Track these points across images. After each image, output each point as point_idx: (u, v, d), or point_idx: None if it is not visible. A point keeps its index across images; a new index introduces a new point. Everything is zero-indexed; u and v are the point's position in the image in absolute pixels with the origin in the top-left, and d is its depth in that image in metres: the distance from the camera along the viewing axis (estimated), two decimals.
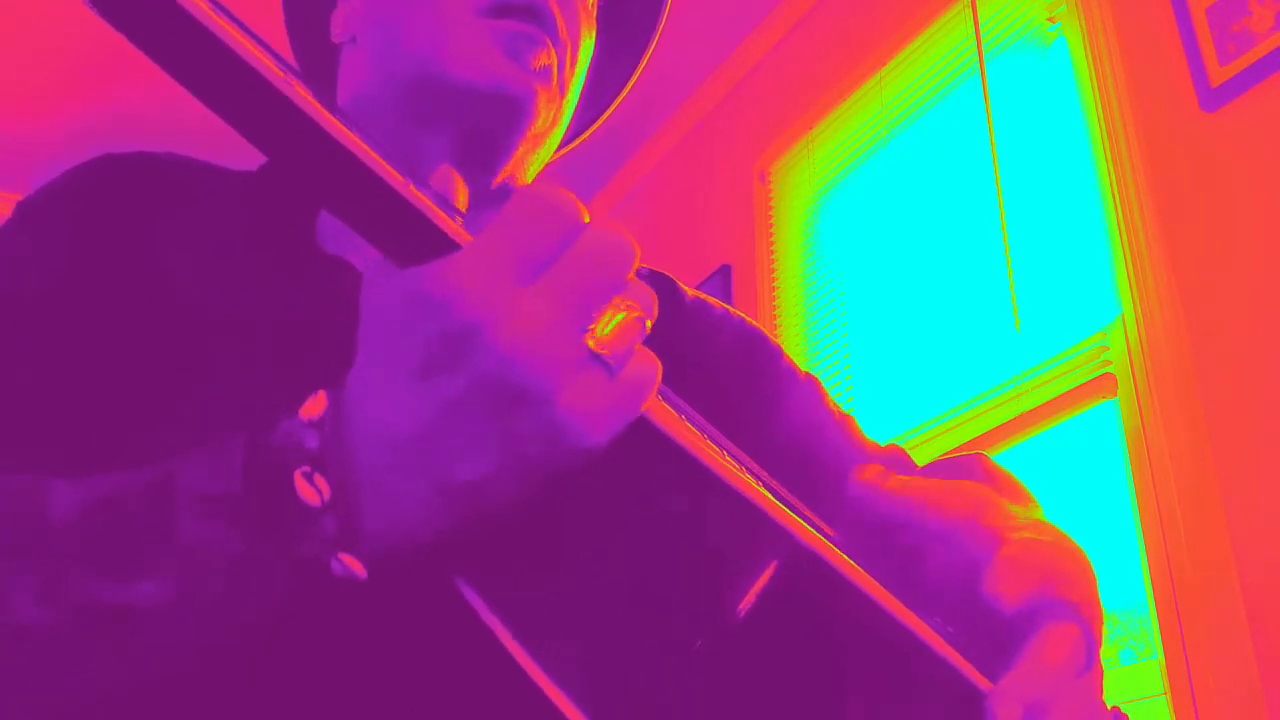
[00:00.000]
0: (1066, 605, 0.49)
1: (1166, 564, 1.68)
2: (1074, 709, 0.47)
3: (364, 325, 0.41)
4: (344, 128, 0.37)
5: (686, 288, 0.79)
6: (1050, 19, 2.15)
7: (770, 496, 0.44)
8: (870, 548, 0.47)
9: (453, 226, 0.39)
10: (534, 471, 0.40)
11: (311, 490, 0.40)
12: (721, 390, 0.58)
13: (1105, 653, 0.53)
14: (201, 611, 0.43)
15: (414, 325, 0.39)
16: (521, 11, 0.65)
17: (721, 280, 2.96)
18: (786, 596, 0.44)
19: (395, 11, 0.68)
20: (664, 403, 0.42)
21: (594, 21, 0.73)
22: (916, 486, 0.52)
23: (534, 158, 0.71)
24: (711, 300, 0.80)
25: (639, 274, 0.52)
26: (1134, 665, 1.83)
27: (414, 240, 0.39)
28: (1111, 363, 1.86)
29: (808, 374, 0.79)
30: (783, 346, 0.81)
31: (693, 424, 0.44)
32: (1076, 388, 1.92)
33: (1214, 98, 1.75)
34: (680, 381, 0.47)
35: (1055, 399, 1.96)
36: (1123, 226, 1.86)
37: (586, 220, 0.40)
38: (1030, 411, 2.00)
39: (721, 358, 0.75)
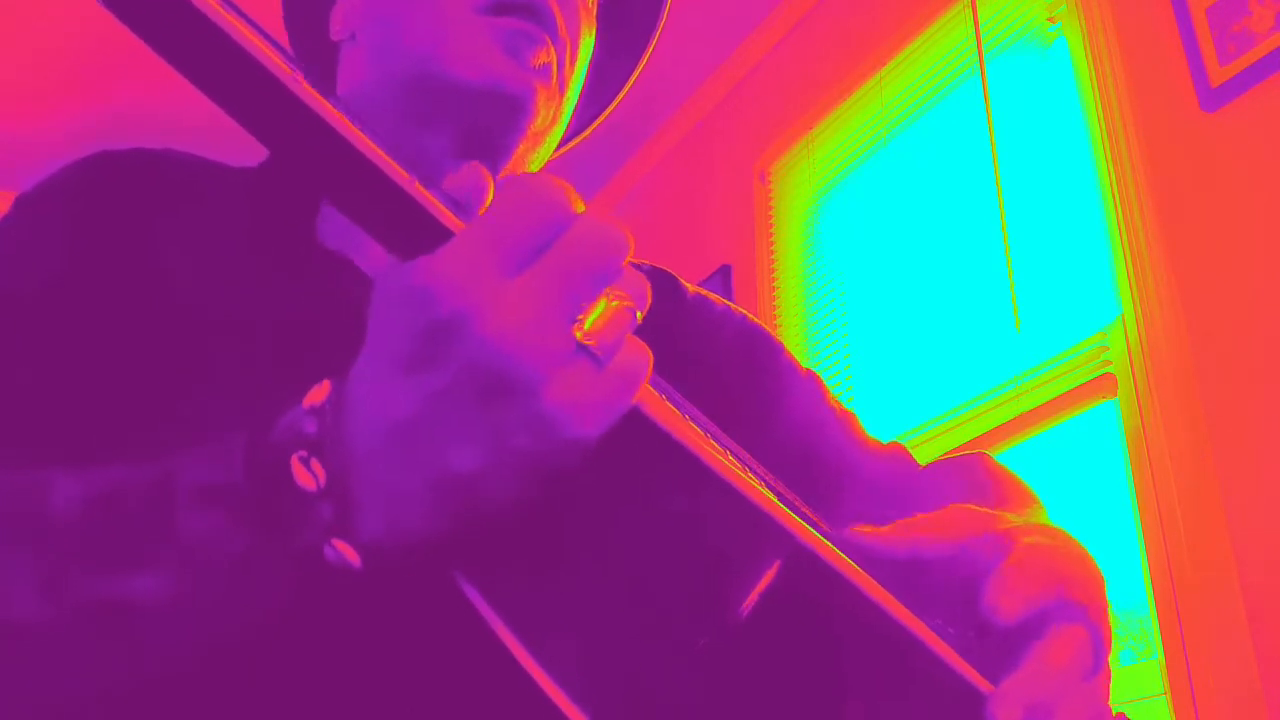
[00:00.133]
0: (1075, 607, 0.49)
1: (1166, 564, 1.68)
2: (1078, 712, 0.47)
3: (369, 319, 0.41)
4: (348, 122, 0.37)
5: (688, 284, 0.79)
6: (1050, 19, 2.15)
7: (772, 496, 0.44)
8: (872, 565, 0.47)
9: (450, 217, 0.39)
10: (528, 467, 0.39)
11: (308, 475, 0.40)
12: (722, 386, 0.58)
13: (1113, 654, 0.52)
14: (202, 606, 0.43)
15: (402, 316, 0.39)
16: (520, 9, 0.65)
17: (721, 280, 2.96)
18: (787, 596, 0.44)
19: (394, 9, 0.68)
20: (665, 401, 0.42)
21: (594, 20, 0.73)
22: (913, 525, 0.51)
23: (534, 155, 0.71)
24: (713, 296, 0.80)
25: (640, 269, 0.52)
26: (1134, 665, 1.83)
27: (415, 234, 0.39)
28: (1111, 363, 1.86)
29: (809, 371, 0.79)
30: (782, 342, 0.81)
31: (694, 422, 0.44)
32: (1076, 388, 1.92)
33: (1214, 98, 1.75)
34: (681, 378, 0.47)
35: (1055, 399, 1.96)
36: (1123, 226, 1.86)
37: (580, 210, 0.40)
38: (1030, 411, 2.00)
39: (723, 354, 0.75)
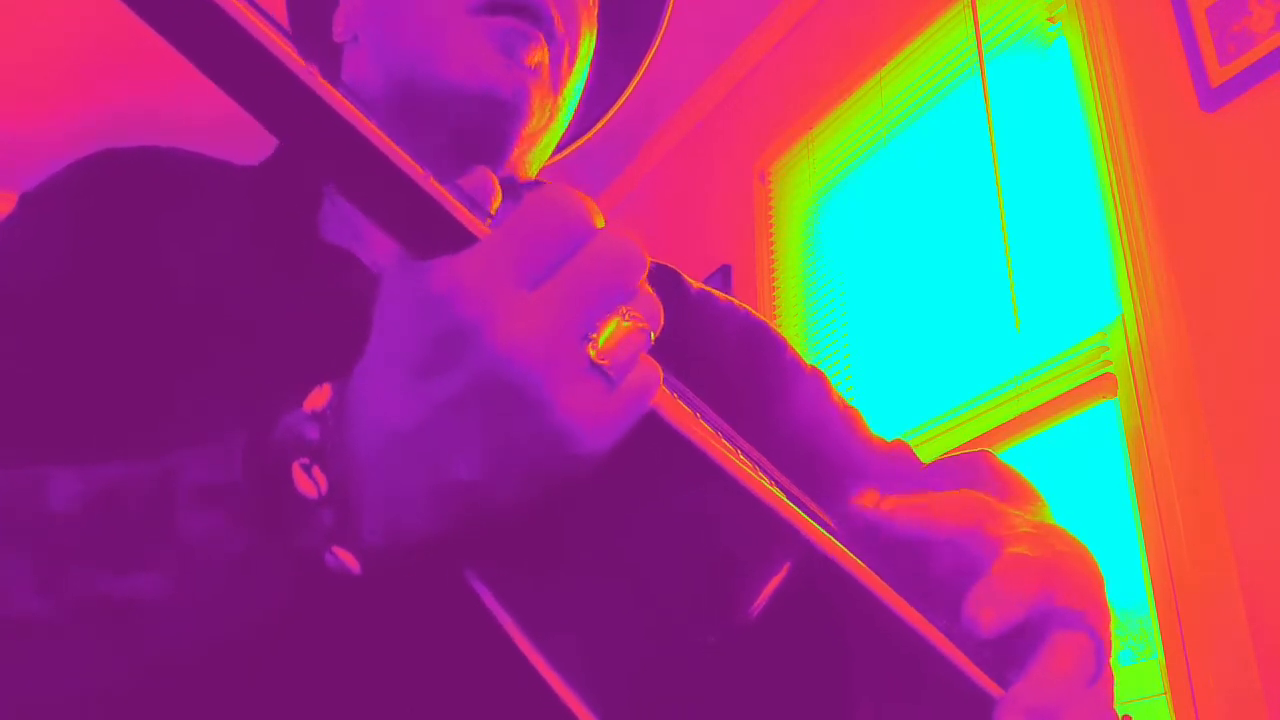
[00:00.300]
0: (1072, 613, 0.48)
1: (1166, 564, 1.68)
2: (1084, 718, 0.47)
3: (375, 320, 0.41)
4: (363, 115, 0.37)
5: (692, 280, 0.79)
6: (1050, 19, 2.15)
7: (782, 495, 0.44)
8: (878, 557, 0.47)
9: (470, 218, 0.39)
10: (533, 476, 0.39)
11: (309, 482, 0.40)
12: (726, 383, 0.58)
13: (1114, 658, 0.52)
14: (201, 605, 0.43)
15: (416, 321, 0.38)
16: (514, 8, 0.65)
17: (721, 280, 2.96)
18: (797, 597, 0.44)
19: (391, 10, 0.68)
20: (676, 398, 0.42)
21: (594, 20, 0.73)
22: (914, 502, 0.51)
23: (532, 156, 0.71)
24: (717, 293, 0.80)
25: None
26: (1134, 665, 1.83)
27: (434, 233, 0.39)
28: (1111, 363, 1.86)
29: (813, 367, 0.79)
30: (785, 338, 0.81)
31: (704, 420, 0.44)
32: (1076, 388, 1.92)
33: (1214, 98, 1.75)
34: (685, 374, 0.47)
35: (1055, 399, 1.96)
36: (1123, 226, 1.86)
37: (600, 225, 0.40)
38: (1030, 411, 2.00)
39: (726, 350, 0.74)
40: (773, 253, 2.86)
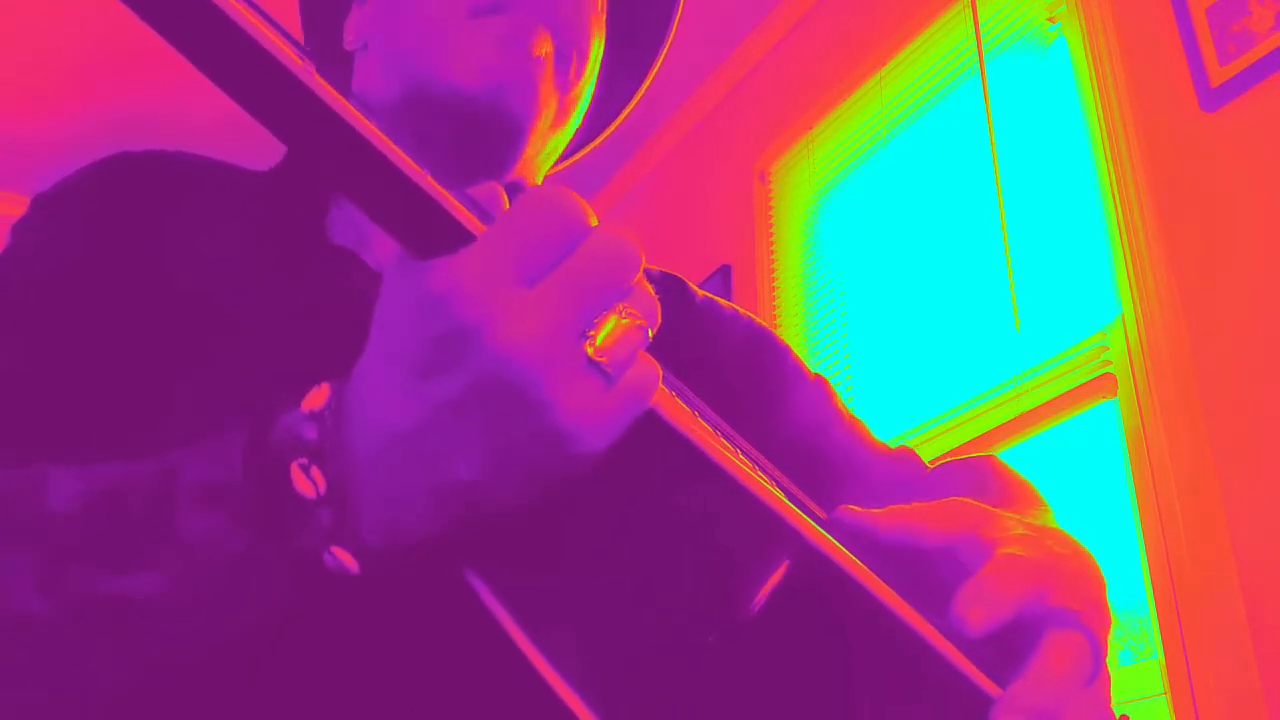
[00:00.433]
0: (1068, 613, 0.48)
1: (1166, 564, 1.68)
2: (1082, 718, 0.47)
3: (374, 320, 0.41)
4: (359, 114, 0.37)
5: (697, 288, 0.79)
6: (1050, 19, 2.15)
7: (780, 495, 0.44)
8: (878, 562, 0.47)
9: (467, 216, 0.39)
10: (532, 476, 0.40)
11: (308, 483, 0.40)
12: (729, 389, 0.58)
13: (1111, 657, 0.51)
14: (202, 603, 0.43)
15: (415, 322, 0.39)
16: (516, 10, 0.64)
17: (721, 280, 2.96)
18: (795, 596, 0.44)
19: (395, 17, 0.68)
20: (676, 398, 0.42)
21: (603, 28, 0.72)
22: (900, 511, 0.51)
23: (540, 160, 0.71)
24: (721, 301, 0.80)
25: (650, 276, 0.51)
26: (1134, 665, 1.83)
27: (428, 230, 0.39)
28: (1111, 363, 1.86)
29: (816, 375, 0.79)
30: (789, 345, 0.81)
31: (704, 420, 0.44)
32: (1076, 388, 1.92)
33: (1214, 98, 1.75)
34: (688, 380, 0.47)
35: (1055, 399, 1.96)
36: (1123, 226, 1.86)
37: (594, 224, 0.40)
38: (1030, 411, 2.00)
39: (729, 357, 0.75)
40: (773, 253, 2.86)
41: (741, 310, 0.80)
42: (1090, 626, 0.49)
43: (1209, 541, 1.62)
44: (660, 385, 0.41)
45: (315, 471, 0.40)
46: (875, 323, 2.51)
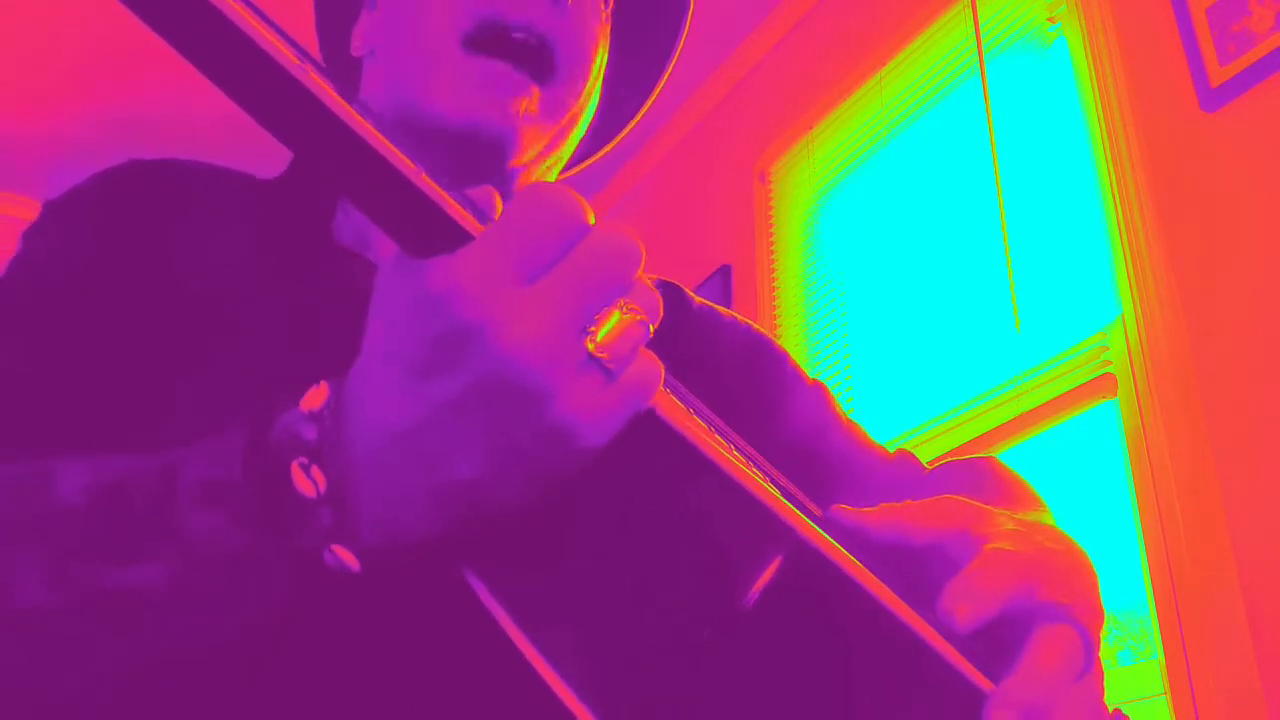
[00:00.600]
0: (1057, 607, 0.48)
1: (1166, 564, 1.68)
2: (1074, 712, 0.47)
3: (370, 319, 0.41)
4: (358, 115, 0.37)
5: (695, 295, 0.80)
6: (1050, 19, 2.15)
7: (776, 492, 0.44)
8: (874, 561, 0.47)
9: (464, 215, 0.39)
10: (532, 474, 0.40)
11: (308, 482, 0.40)
12: (727, 394, 0.59)
13: (1104, 653, 0.51)
14: (203, 599, 0.43)
15: (415, 322, 0.39)
16: (508, 47, 0.64)
17: (721, 280, 2.96)
18: (789, 592, 0.44)
19: (396, 33, 0.68)
20: (671, 395, 0.42)
21: (606, 38, 0.72)
22: (890, 509, 0.51)
23: (539, 173, 0.71)
24: (719, 308, 0.81)
25: None
26: (1134, 665, 1.83)
27: (429, 232, 0.39)
28: (1111, 363, 1.86)
29: (814, 380, 0.80)
30: (787, 351, 0.81)
31: (700, 418, 0.44)
32: (1076, 388, 1.92)
33: (1214, 98, 1.75)
34: (686, 385, 0.47)
35: (1055, 399, 1.96)
36: (1123, 226, 1.86)
37: (591, 221, 0.40)
38: (1030, 411, 2.00)
39: (728, 362, 0.75)
40: (773, 253, 2.86)
41: (739, 317, 0.81)
42: (1081, 620, 0.49)
43: (1209, 541, 1.62)
44: (662, 381, 0.41)
45: (315, 471, 0.40)
46: (875, 323, 2.51)
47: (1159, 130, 1.85)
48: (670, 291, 0.78)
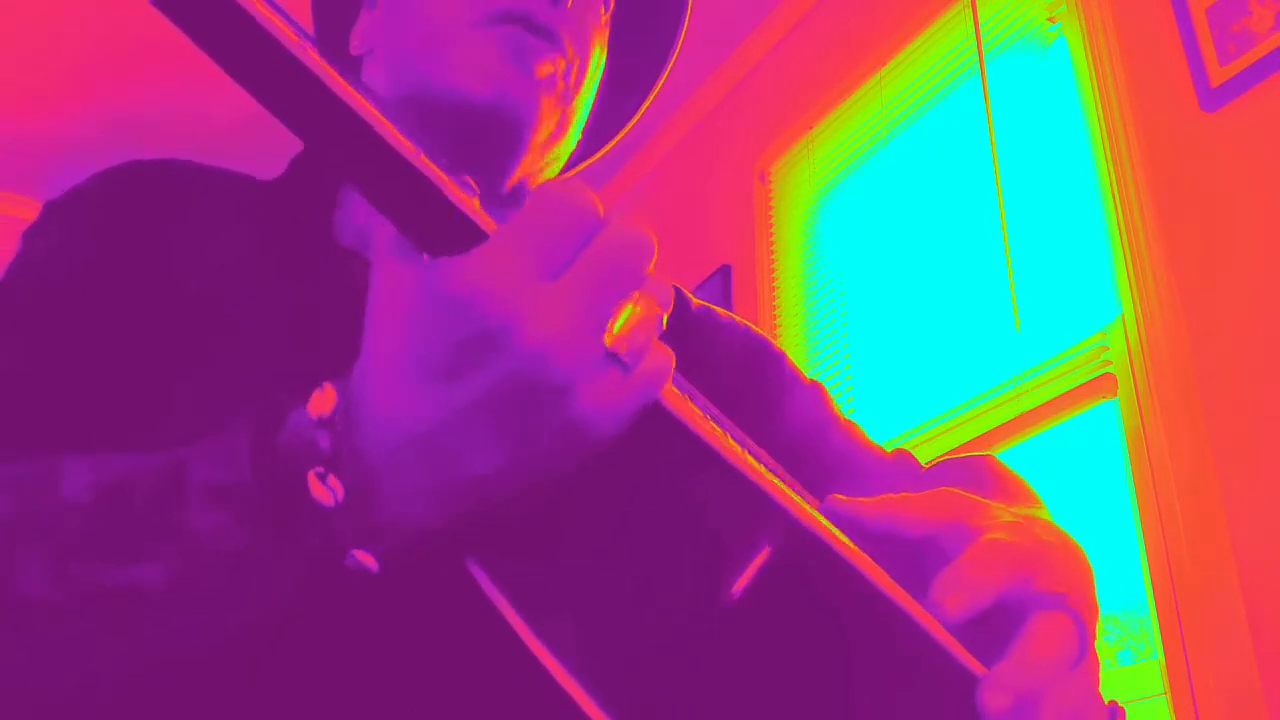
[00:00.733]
0: (1052, 596, 0.49)
1: (1166, 564, 1.68)
2: (1067, 699, 0.47)
3: (375, 319, 0.41)
4: (366, 101, 0.37)
5: (693, 297, 0.80)
6: (1050, 19, 2.15)
7: (774, 478, 0.44)
8: (875, 552, 0.47)
9: (479, 213, 0.39)
10: (548, 467, 0.40)
11: (325, 490, 0.40)
12: (725, 395, 0.59)
13: (1099, 642, 0.52)
14: (206, 598, 0.43)
15: (437, 324, 0.39)
16: (523, 21, 0.65)
17: (721, 280, 2.96)
18: (788, 577, 0.44)
19: (402, 23, 0.68)
20: (674, 388, 0.43)
21: (605, 41, 0.73)
22: (885, 500, 0.52)
23: (541, 166, 0.72)
24: (717, 309, 0.81)
25: None
26: (1134, 665, 1.83)
27: (439, 226, 0.39)
28: (1111, 363, 1.86)
29: (813, 381, 0.80)
30: (785, 351, 0.82)
31: (699, 407, 0.44)
32: (1076, 388, 1.92)
33: (1214, 98, 1.75)
34: (686, 384, 0.47)
35: (1055, 399, 1.96)
36: (1123, 226, 1.86)
37: (602, 215, 0.40)
38: (1030, 411, 2.00)
39: (726, 363, 0.75)
40: (773, 253, 2.86)
41: (737, 318, 0.81)
42: (1076, 609, 0.49)
43: (1209, 541, 1.62)
44: (673, 372, 0.41)
45: (333, 480, 0.40)
46: (875, 323, 2.51)
47: (1159, 130, 1.85)
48: None
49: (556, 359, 0.38)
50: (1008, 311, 2.03)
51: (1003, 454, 2.08)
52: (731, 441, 0.44)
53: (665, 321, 0.41)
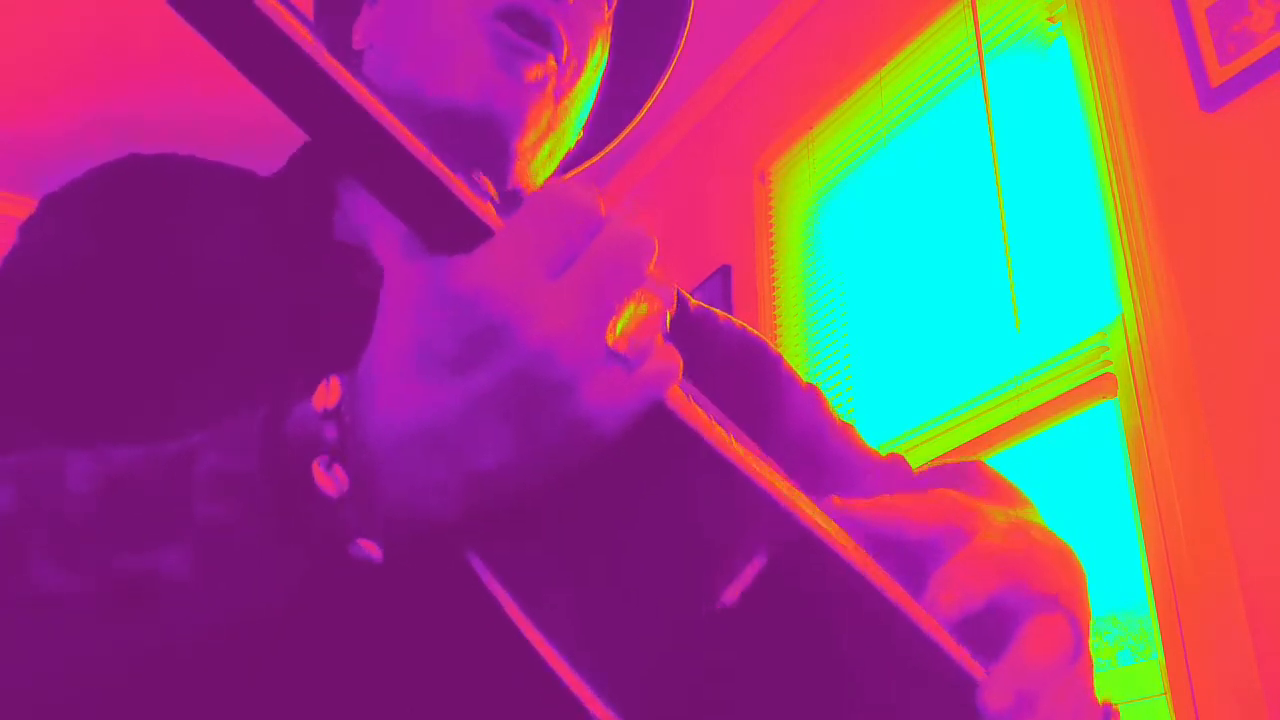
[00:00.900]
0: (1048, 598, 0.49)
1: (1166, 564, 1.68)
2: (1064, 700, 0.48)
3: (383, 314, 0.41)
4: (373, 97, 0.37)
5: (691, 298, 0.80)
6: (1050, 19, 2.15)
7: (778, 479, 0.45)
8: (875, 554, 0.47)
9: (486, 210, 0.39)
10: (551, 461, 0.41)
11: (330, 480, 0.41)
12: (723, 396, 0.60)
13: (1092, 644, 0.53)
14: (213, 587, 0.43)
15: (442, 320, 0.39)
16: (519, 20, 0.65)
17: (721, 280, 2.96)
18: (788, 577, 0.44)
19: (401, 22, 0.69)
20: (679, 388, 0.43)
21: (607, 38, 0.73)
22: (882, 502, 0.52)
23: (535, 167, 0.72)
24: (716, 311, 0.81)
25: None
26: (1134, 665, 1.83)
27: (445, 222, 0.39)
28: (1111, 363, 1.86)
29: (809, 384, 0.80)
30: (783, 352, 0.82)
31: (702, 409, 0.44)
32: (1076, 388, 1.92)
33: (1214, 98, 1.75)
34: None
35: (1055, 399, 1.96)
36: (1123, 226, 1.86)
37: (606, 214, 0.41)
38: (1030, 411, 2.00)
39: (724, 365, 0.76)
40: (773, 253, 2.86)
41: (736, 321, 0.82)
42: (1071, 610, 0.50)
43: (1209, 541, 1.62)
44: (680, 372, 0.42)
45: (337, 470, 0.41)
46: (875, 323, 2.51)
47: (1159, 130, 1.85)
48: None
49: (559, 356, 0.38)
50: (1008, 311, 2.03)
51: (1003, 454, 2.08)
52: (737, 444, 0.44)
53: (668, 320, 0.41)
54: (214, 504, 0.42)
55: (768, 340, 0.82)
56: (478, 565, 0.43)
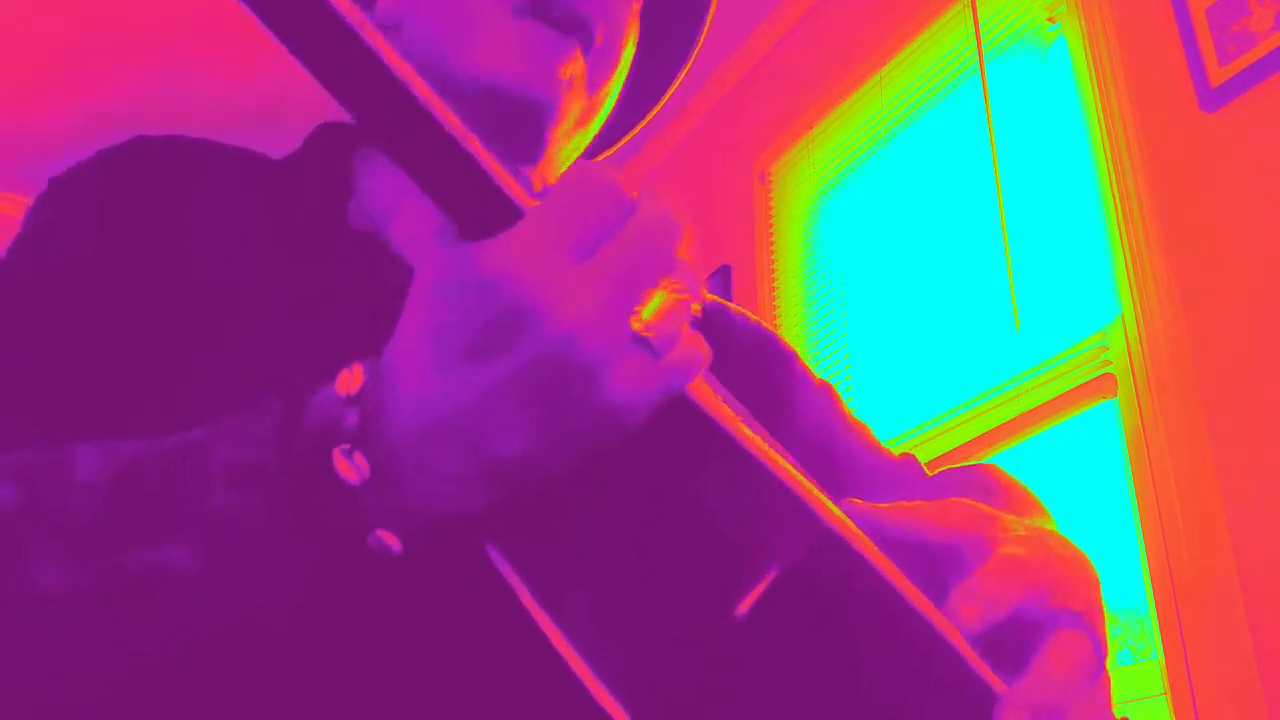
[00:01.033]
0: (1072, 614, 0.49)
1: (1166, 564, 1.68)
2: (1084, 715, 0.47)
3: (412, 300, 0.41)
4: (429, 89, 0.37)
5: (705, 291, 0.80)
6: (1050, 19, 2.15)
7: (802, 478, 0.44)
8: (895, 559, 0.47)
9: (517, 190, 0.39)
10: (576, 450, 0.40)
11: (351, 468, 0.40)
12: (736, 392, 0.59)
13: (1111, 659, 0.52)
14: (229, 580, 0.43)
15: (464, 305, 0.38)
16: (556, 17, 0.64)
17: (721, 280, 2.96)
18: (809, 579, 0.44)
19: (432, 3, 0.67)
20: (703, 381, 0.43)
21: (636, 30, 0.72)
22: (905, 507, 0.51)
23: (563, 156, 0.71)
24: (729, 305, 0.80)
25: None
26: (1134, 665, 1.83)
27: (476, 201, 0.38)
28: (1111, 363, 1.86)
29: (822, 381, 0.80)
30: (795, 350, 0.81)
31: (725, 402, 0.44)
32: (1076, 388, 1.92)
33: (1214, 98, 1.75)
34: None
35: (1055, 399, 1.96)
36: (1123, 226, 1.86)
37: (635, 197, 0.40)
38: (1030, 411, 2.00)
39: (737, 360, 0.75)
40: (773, 253, 2.86)
41: (750, 315, 0.81)
42: (1092, 625, 0.49)
43: (1209, 541, 1.62)
44: (707, 361, 0.41)
45: (359, 457, 0.40)
46: (875, 323, 2.51)
47: (1159, 130, 1.84)
48: None
49: (584, 341, 0.38)
50: (1008, 311, 2.03)
51: (1003, 454, 2.07)
52: (762, 440, 0.44)
53: (696, 309, 0.40)
54: (229, 494, 0.42)
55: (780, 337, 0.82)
56: (497, 557, 0.42)
